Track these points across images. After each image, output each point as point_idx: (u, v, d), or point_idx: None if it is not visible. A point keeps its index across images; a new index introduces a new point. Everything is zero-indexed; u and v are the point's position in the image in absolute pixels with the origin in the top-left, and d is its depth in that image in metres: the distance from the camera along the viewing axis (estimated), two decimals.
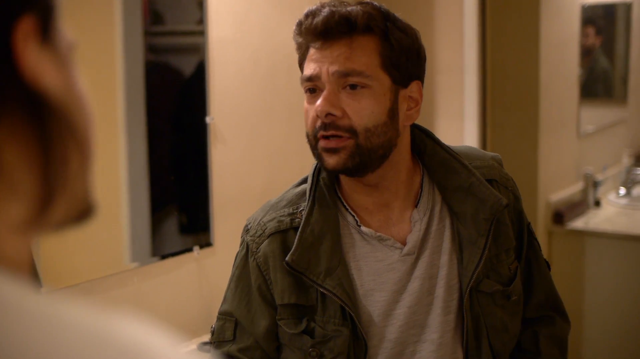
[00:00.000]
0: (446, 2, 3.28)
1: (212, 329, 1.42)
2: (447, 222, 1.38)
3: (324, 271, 1.30)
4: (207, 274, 2.45)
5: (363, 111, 1.25)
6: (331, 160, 1.27)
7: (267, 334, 1.37)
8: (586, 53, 4.16)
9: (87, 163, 0.54)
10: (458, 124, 3.28)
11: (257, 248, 1.36)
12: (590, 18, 4.15)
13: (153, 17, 2.28)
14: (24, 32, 0.48)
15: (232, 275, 1.41)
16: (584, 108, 4.12)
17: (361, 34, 1.26)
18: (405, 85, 1.31)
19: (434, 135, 1.42)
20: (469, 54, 3.28)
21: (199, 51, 2.39)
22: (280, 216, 1.37)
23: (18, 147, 0.48)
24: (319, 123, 1.26)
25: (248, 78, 2.55)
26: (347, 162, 1.26)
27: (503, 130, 3.59)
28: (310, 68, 1.28)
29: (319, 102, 1.26)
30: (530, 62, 3.55)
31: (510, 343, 1.43)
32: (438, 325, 1.35)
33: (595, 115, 4.35)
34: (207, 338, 2.30)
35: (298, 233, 1.32)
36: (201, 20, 2.39)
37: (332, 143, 1.26)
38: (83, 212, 0.54)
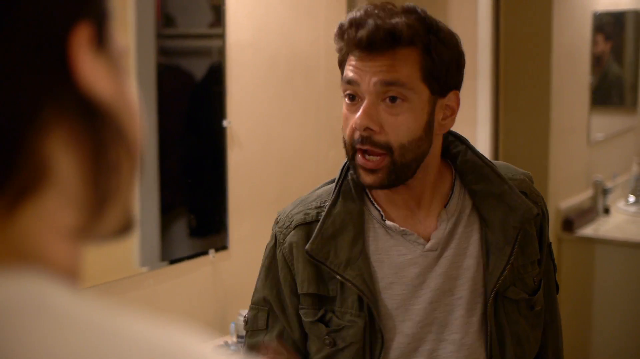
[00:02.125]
0: (460, 8, 3.29)
1: (245, 318, 1.46)
2: (476, 227, 1.39)
3: (344, 261, 1.33)
4: (222, 277, 2.44)
5: (400, 127, 1.28)
6: (368, 179, 1.31)
7: (299, 323, 1.40)
8: (597, 60, 4.16)
9: (135, 172, 0.54)
10: (470, 130, 3.28)
11: (284, 239, 1.40)
12: (600, 25, 4.15)
13: (165, 20, 2.29)
14: (80, 39, 0.48)
15: (262, 265, 1.45)
16: (594, 115, 4.12)
17: (404, 47, 1.28)
18: (444, 95, 1.33)
19: (468, 141, 1.44)
20: (482, 60, 3.28)
21: (213, 54, 2.39)
22: (307, 209, 1.40)
23: (72, 154, 0.48)
24: (357, 135, 1.29)
25: (265, 82, 2.55)
26: (384, 180, 1.30)
27: (514, 136, 3.58)
28: (351, 73, 1.30)
29: (358, 114, 1.28)
30: (542, 69, 3.55)
31: (530, 355, 1.43)
32: (460, 326, 1.36)
33: (605, 123, 4.35)
34: (222, 341, 2.30)
35: (319, 223, 1.36)
36: (214, 23, 2.39)
37: (370, 164, 1.29)
38: (126, 225, 0.54)
